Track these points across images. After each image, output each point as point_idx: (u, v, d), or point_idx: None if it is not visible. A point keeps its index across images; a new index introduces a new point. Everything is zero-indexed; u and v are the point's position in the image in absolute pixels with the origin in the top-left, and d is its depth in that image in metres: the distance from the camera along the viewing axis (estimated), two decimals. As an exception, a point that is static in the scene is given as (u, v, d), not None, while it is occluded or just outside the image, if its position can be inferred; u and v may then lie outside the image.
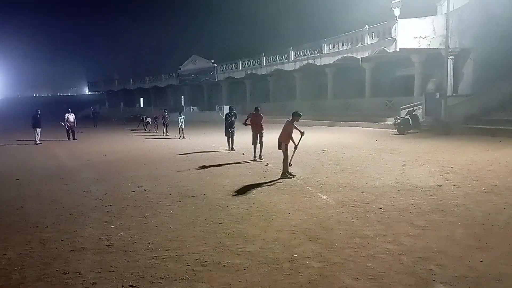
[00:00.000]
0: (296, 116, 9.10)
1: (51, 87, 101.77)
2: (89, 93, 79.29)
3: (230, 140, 14.58)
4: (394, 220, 5.78)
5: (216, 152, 14.26)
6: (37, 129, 19.04)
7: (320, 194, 7.46)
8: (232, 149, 14.44)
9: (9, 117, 54.11)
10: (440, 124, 19.53)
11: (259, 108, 12.71)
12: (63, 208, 6.82)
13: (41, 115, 19.56)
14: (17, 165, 12.27)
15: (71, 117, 21.09)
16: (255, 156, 11.98)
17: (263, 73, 39.11)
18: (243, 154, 13.05)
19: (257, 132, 12.12)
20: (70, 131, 21.03)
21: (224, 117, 15.55)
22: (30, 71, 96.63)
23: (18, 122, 38.53)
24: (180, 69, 51.92)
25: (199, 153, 14.11)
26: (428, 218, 5.86)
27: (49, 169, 11.35)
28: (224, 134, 14.79)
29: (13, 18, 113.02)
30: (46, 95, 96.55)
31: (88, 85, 75.46)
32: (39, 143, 18.69)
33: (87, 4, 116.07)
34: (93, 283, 3.98)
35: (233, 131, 14.51)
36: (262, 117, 12.36)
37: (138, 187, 8.45)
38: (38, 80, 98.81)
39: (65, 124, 21.06)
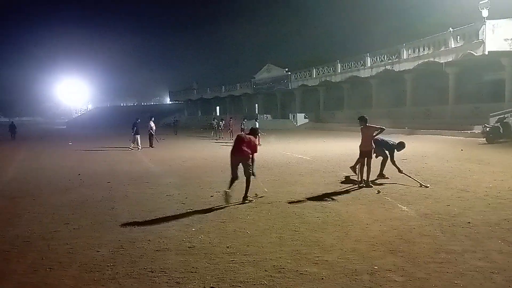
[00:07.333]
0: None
1: (136, 97, 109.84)
2: (170, 102, 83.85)
3: None
4: (484, 236, 5.36)
5: (291, 160, 14.28)
6: (137, 136, 20.53)
7: (400, 205, 7.15)
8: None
9: (101, 125, 58.99)
10: (536, 133, 17.80)
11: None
12: (149, 210, 7.27)
13: (139, 123, 21.02)
14: (107, 169, 13.29)
15: (153, 125, 22.35)
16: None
17: (337, 81, 38.57)
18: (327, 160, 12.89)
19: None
20: (152, 138, 22.21)
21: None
22: (118, 83, 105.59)
23: (108, 130, 41.67)
24: (254, 77, 53.08)
25: (274, 161, 14.22)
26: (525, 235, 5.35)
27: (136, 173, 12.16)
28: None
29: (103, 36, 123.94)
30: (132, 104, 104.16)
31: (169, 94, 79.90)
32: (141, 149, 19.98)
33: (168, 20, 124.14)
34: (177, 282, 4.19)
35: None
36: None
37: (216, 192, 8.73)
38: (125, 90, 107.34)
39: (150, 132, 22.23)
